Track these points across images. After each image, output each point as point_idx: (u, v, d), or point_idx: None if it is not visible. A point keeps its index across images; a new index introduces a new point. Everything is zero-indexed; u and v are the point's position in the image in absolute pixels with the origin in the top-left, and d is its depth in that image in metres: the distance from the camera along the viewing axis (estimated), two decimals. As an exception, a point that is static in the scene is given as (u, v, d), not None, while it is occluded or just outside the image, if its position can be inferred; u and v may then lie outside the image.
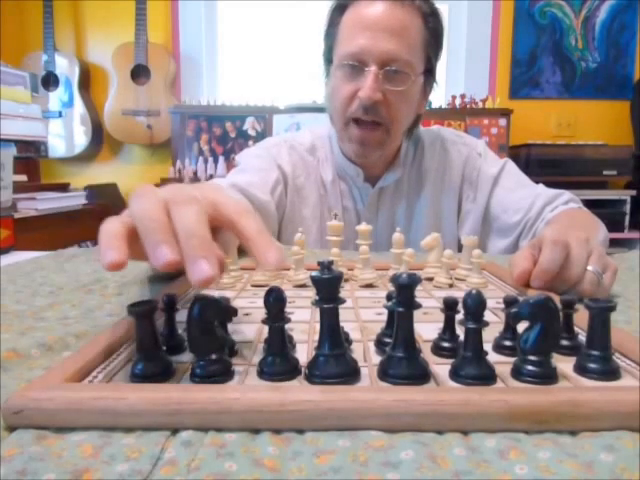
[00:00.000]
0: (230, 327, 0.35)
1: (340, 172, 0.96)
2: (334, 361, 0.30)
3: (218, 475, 0.22)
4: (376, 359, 0.33)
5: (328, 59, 0.90)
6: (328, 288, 0.31)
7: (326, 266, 0.31)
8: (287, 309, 0.32)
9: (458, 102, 2.46)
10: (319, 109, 2.39)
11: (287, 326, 0.32)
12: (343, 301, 0.31)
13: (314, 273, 0.31)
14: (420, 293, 0.53)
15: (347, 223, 0.89)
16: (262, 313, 0.32)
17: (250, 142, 2.42)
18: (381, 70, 0.81)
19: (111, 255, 0.29)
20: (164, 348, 0.33)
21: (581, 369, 0.31)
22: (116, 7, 2.61)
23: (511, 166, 0.98)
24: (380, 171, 0.95)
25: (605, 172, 2.31)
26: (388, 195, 0.96)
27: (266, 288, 0.32)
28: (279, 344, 0.31)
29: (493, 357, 0.34)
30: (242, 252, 0.61)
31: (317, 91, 2.54)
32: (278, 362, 0.31)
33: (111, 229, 0.31)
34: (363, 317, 0.44)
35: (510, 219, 0.91)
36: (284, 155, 0.96)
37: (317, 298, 0.31)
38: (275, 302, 0.31)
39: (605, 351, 0.31)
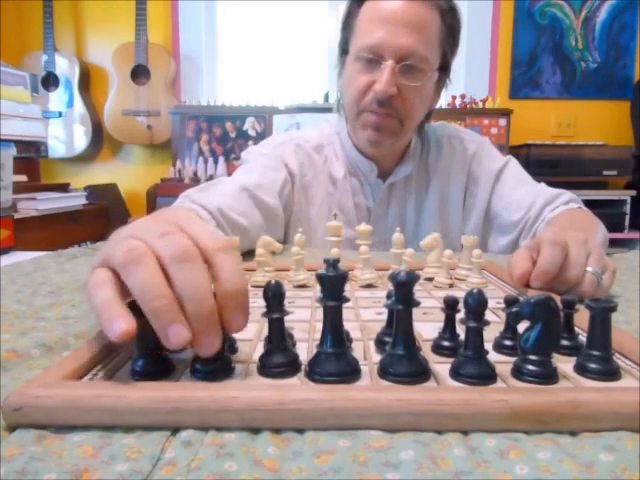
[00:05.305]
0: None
1: (352, 168, 0.96)
2: (335, 359, 0.30)
3: (218, 475, 0.22)
4: (376, 358, 0.33)
5: (344, 49, 0.90)
6: (334, 286, 0.31)
7: (332, 264, 0.31)
8: (287, 309, 0.32)
9: (458, 102, 2.46)
10: (319, 109, 2.38)
11: (287, 324, 0.32)
12: (347, 300, 0.31)
13: (320, 270, 0.31)
14: (420, 293, 0.53)
15: (358, 219, 0.90)
16: (262, 312, 0.32)
17: (250, 142, 2.42)
18: (397, 65, 0.81)
19: (119, 325, 0.28)
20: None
21: (581, 369, 0.31)
22: (116, 7, 2.61)
23: (514, 164, 0.98)
24: (391, 166, 0.96)
25: (605, 172, 2.31)
26: (398, 191, 0.97)
27: (266, 288, 0.32)
28: (279, 336, 0.31)
29: (493, 356, 0.33)
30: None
31: (317, 91, 2.55)
32: (278, 355, 0.31)
33: (106, 296, 0.29)
34: (363, 317, 0.44)
35: (510, 217, 0.91)
36: (290, 154, 0.95)
37: (321, 295, 0.31)
38: (274, 294, 0.31)
39: (605, 351, 0.31)
